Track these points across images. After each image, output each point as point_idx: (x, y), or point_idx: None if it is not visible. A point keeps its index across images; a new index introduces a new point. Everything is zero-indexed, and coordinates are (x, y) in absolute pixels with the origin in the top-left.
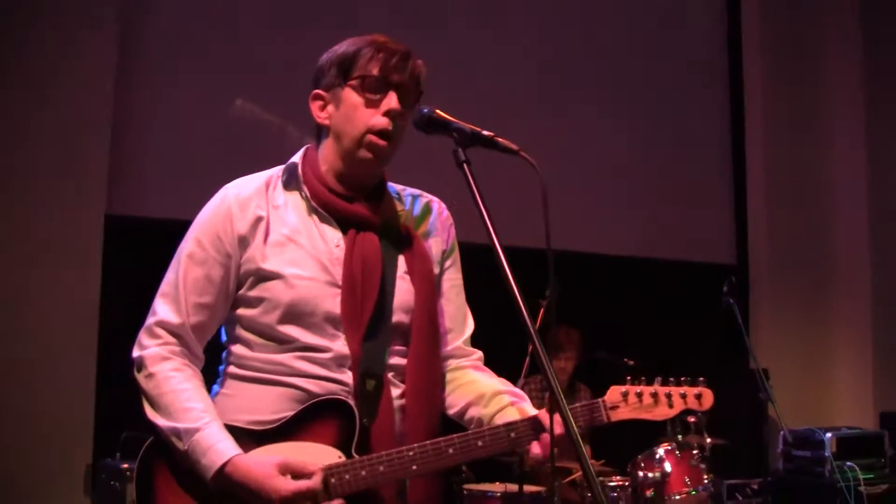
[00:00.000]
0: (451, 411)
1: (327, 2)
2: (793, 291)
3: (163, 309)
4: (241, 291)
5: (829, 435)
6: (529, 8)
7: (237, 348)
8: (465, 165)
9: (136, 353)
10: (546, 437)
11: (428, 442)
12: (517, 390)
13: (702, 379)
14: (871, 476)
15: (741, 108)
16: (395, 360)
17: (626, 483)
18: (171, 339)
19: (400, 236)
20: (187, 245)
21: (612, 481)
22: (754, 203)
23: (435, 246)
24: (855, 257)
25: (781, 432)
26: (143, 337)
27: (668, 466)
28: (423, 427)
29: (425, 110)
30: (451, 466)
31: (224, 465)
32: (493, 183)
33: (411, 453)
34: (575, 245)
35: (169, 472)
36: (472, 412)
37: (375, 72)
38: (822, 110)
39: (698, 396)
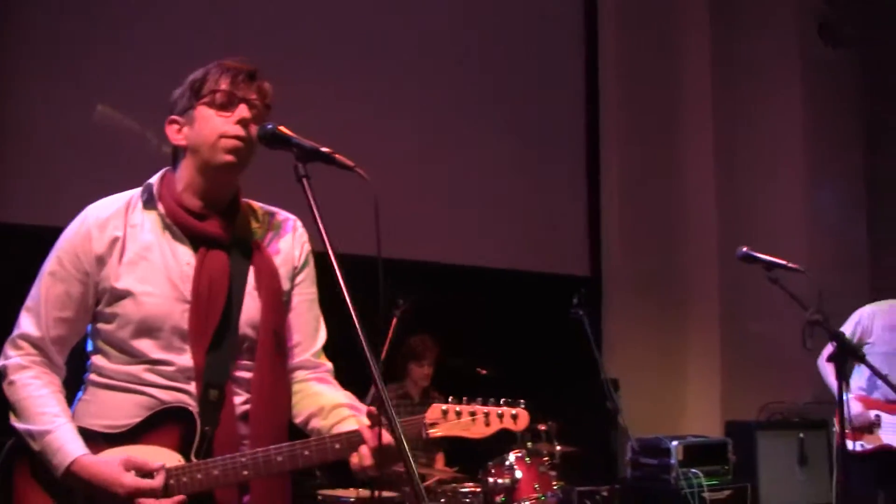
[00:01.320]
0: (296, 420)
1: (204, 13)
2: (645, 303)
3: (25, 322)
4: (98, 307)
5: (675, 443)
6: (393, 30)
7: (97, 358)
8: (304, 180)
9: (0, 363)
10: (364, 449)
11: (260, 450)
12: (357, 403)
13: (521, 401)
14: (715, 482)
15: (597, 120)
16: (241, 372)
17: (478, 489)
18: (33, 351)
19: (251, 253)
20: (49, 263)
21: (465, 487)
22: (608, 216)
23: (286, 262)
24: (705, 271)
25: (629, 441)
26: (7, 348)
27: (518, 473)
28: (268, 433)
29: (269, 126)
30: (282, 472)
31: (71, 463)
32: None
33: (244, 459)
34: (431, 255)
35: (29, 472)
36: (313, 423)
37: (224, 86)
38: (675, 128)
39: (514, 417)
